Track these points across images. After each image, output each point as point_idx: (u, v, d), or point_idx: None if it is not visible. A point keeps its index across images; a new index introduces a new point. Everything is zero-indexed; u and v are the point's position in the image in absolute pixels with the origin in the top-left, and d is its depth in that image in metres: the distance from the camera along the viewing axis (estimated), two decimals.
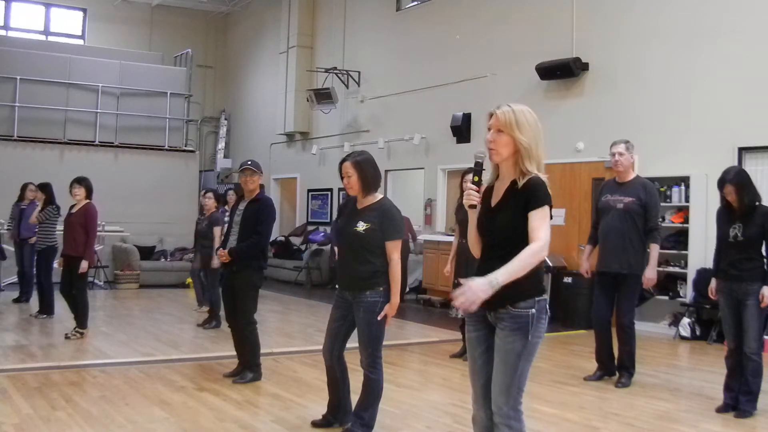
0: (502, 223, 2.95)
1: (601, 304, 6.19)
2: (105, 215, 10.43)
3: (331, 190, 14.76)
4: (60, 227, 8.56)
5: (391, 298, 4.29)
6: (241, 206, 5.89)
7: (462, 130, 11.62)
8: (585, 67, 9.93)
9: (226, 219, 7.22)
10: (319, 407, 4.88)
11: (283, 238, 15.23)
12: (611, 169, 6.53)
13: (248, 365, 5.90)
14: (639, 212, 5.99)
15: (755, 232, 5.06)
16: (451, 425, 4.85)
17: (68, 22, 17.40)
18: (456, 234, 7.06)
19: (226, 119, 18.64)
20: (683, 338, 8.42)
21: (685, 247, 8.60)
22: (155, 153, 14.86)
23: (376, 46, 13.88)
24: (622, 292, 6.10)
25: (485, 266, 3.02)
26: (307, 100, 14.55)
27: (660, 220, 6.69)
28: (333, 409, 4.64)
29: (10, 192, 10.68)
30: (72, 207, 7.86)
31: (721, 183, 5.16)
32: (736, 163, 7.96)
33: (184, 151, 15.48)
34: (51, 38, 16.96)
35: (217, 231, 8.59)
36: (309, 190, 15.65)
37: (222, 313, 6.68)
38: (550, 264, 9.40)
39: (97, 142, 14.26)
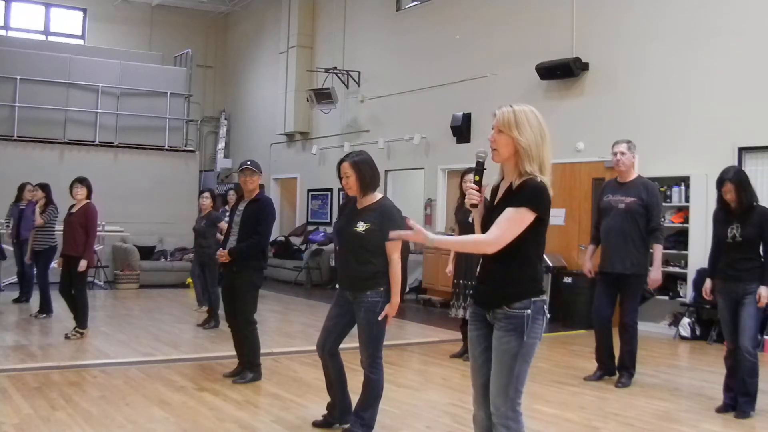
0: None
1: (602, 303, 6.19)
2: (105, 215, 10.43)
3: (331, 190, 14.76)
4: (59, 227, 8.56)
5: (391, 298, 4.28)
6: (241, 206, 5.89)
7: (462, 130, 11.62)
8: (585, 67, 9.93)
9: (226, 219, 7.23)
10: (319, 407, 4.88)
11: (283, 238, 15.23)
12: (612, 168, 6.53)
13: (248, 365, 5.90)
14: (640, 212, 5.99)
15: (753, 232, 5.05)
16: (451, 425, 4.85)
17: (68, 22, 17.40)
18: (456, 234, 7.05)
19: (226, 119, 18.64)
20: (683, 338, 8.42)
21: (685, 247, 8.60)
22: (155, 153, 14.87)
23: (376, 46, 13.88)
24: (625, 292, 6.11)
25: (486, 266, 3.03)
26: (307, 100, 14.55)
27: (662, 220, 6.67)
28: (330, 407, 4.65)
29: (10, 192, 10.67)
30: (72, 207, 7.85)
31: (720, 182, 5.16)
32: (736, 163, 7.96)
33: (184, 151, 15.48)
34: (51, 38, 16.95)
35: (222, 225, 8.54)
36: (309, 190, 15.66)
37: (221, 312, 6.68)
38: (550, 264, 9.40)
39: (97, 142, 14.26)
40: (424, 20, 12.84)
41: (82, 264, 7.54)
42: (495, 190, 3.09)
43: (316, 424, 4.68)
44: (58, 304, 8.45)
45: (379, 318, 4.26)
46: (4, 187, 11.36)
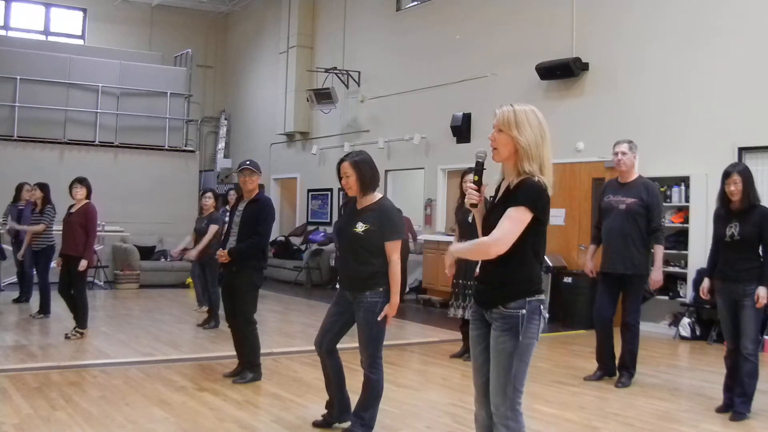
0: (496, 222, 2.96)
1: (604, 304, 6.19)
2: (105, 215, 10.43)
3: (331, 190, 14.76)
4: (58, 227, 8.56)
5: (390, 299, 4.28)
6: (241, 206, 5.89)
7: (462, 130, 11.62)
8: (585, 67, 9.93)
9: (227, 219, 7.23)
10: (319, 407, 4.88)
11: (283, 238, 15.23)
12: (612, 168, 6.53)
13: (248, 365, 5.90)
14: (641, 213, 5.99)
15: (752, 232, 5.02)
16: (451, 425, 4.85)
17: (68, 22, 17.39)
18: (456, 234, 7.04)
19: (226, 119, 18.64)
20: (683, 338, 8.42)
21: (685, 247, 8.60)
22: (155, 153, 14.86)
23: (376, 46, 13.88)
24: (627, 293, 6.12)
25: (486, 266, 3.04)
26: (307, 100, 14.55)
27: (663, 220, 6.68)
28: (328, 405, 4.66)
29: (10, 192, 10.67)
30: (71, 207, 7.85)
31: (727, 174, 5.10)
32: None
33: (184, 151, 15.48)
34: (51, 38, 16.95)
35: (213, 228, 8.61)
36: (309, 190, 15.66)
37: (221, 312, 6.68)
38: (550, 264, 9.40)
39: (97, 142, 14.25)
40: (424, 20, 12.84)
41: (82, 264, 7.54)
42: (497, 190, 3.10)
43: (316, 424, 4.68)
44: (58, 304, 8.44)
45: (379, 318, 4.26)
46: (5, 187, 11.35)
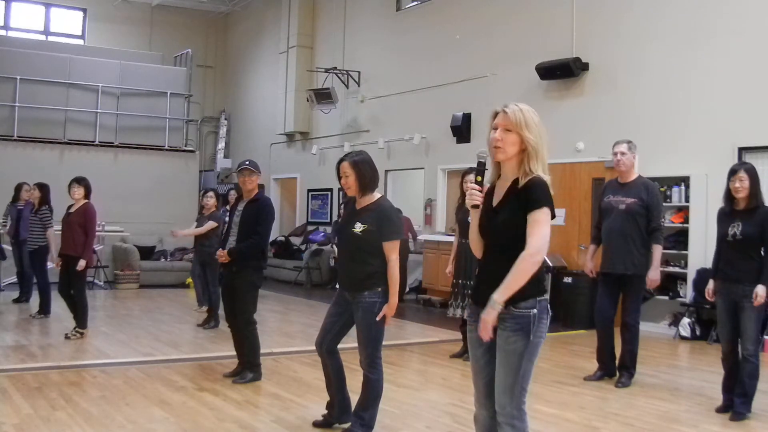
0: (502, 224, 2.95)
1: (604, 304, 6.19)
2: (105, 215, 10.43)
3: (331, 190, 14.76)
4: (57, 227, 8.56)
5: (389, 299, 4.28)
6: (240, 206, 5.89)
7: (462, 130, 11.62)
8: (585, 67, 9.93)
9: (227, 219, 7.22)
10: (319, 407, 4.88)
11: (283, 238, 15.23)
12: (612, 168, 6.52)
13: (248, 365, 5.90)
14: (641, 213, 5.99)
15: (754, 232, 5.01)
16: (451, 425, 4.85)
17: (68, 22, 17.39)
18: (456, 234, 7.04)
19: (226, 119, 18.64)
20: (683, 338, 8.42)
21: (685, 247, 8.60)
22: (155, 153, 14.87)
23: (376, 46, 13.88)
24: (627, 293, 6.12)
25: (486, 267, 3.03)
26: (307, 100, 14.55)
27: (662, 220, 6.68)
28: (329, 405, 4.66)
29: (10, 192, 10.66)
30: (70, 207, 7.85)
31: (734, 171, 5.09)
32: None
33: (184, 151, 15.48)
34: (51, 38, 16.96)
35: (210, 224, 8.63)
36: (309, 190, 15.66)
37: (221, 312, 6.68)
38: (550, 264, 9.40)
39: (97, 142, 14.26)
40: (424, 20, 12.84)
41: (81, 264, 7.53)
42: (490, 190, 3.08)
43: (316, 424, 4.68)
44: (58, 304, 8.44)
45: (377, 318, 4.26)
46: (5, 187, 11.35)
